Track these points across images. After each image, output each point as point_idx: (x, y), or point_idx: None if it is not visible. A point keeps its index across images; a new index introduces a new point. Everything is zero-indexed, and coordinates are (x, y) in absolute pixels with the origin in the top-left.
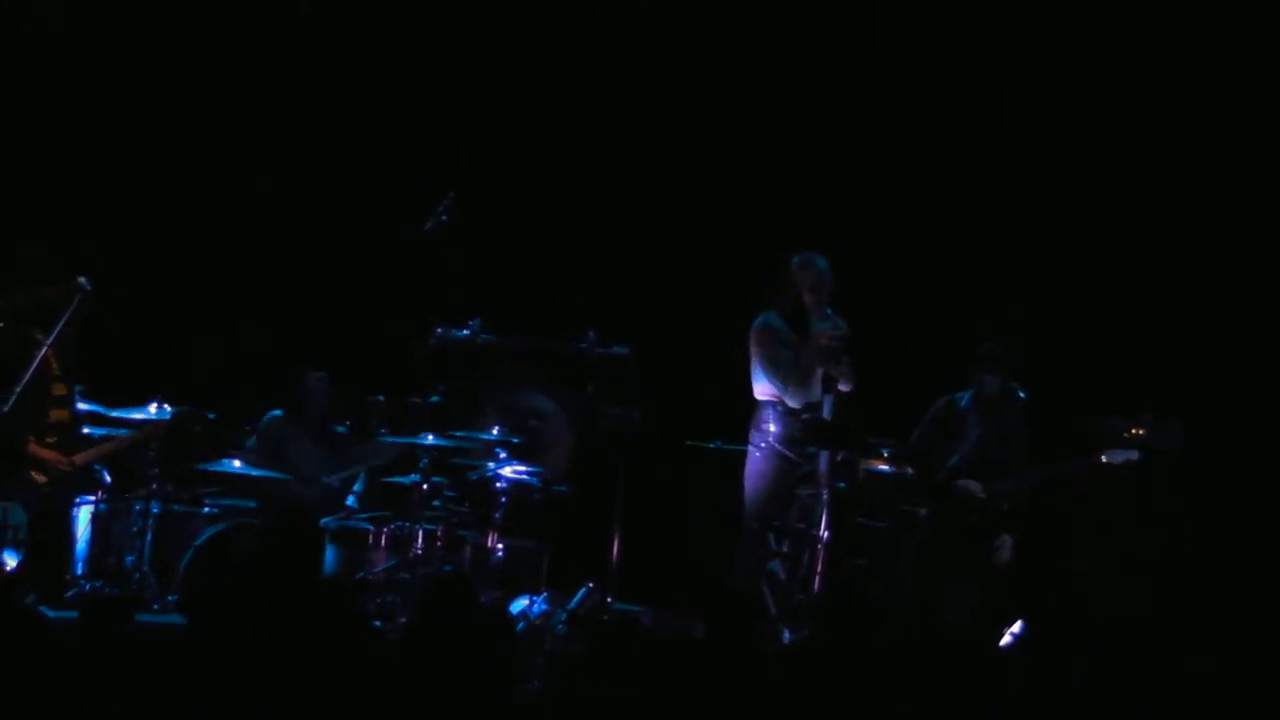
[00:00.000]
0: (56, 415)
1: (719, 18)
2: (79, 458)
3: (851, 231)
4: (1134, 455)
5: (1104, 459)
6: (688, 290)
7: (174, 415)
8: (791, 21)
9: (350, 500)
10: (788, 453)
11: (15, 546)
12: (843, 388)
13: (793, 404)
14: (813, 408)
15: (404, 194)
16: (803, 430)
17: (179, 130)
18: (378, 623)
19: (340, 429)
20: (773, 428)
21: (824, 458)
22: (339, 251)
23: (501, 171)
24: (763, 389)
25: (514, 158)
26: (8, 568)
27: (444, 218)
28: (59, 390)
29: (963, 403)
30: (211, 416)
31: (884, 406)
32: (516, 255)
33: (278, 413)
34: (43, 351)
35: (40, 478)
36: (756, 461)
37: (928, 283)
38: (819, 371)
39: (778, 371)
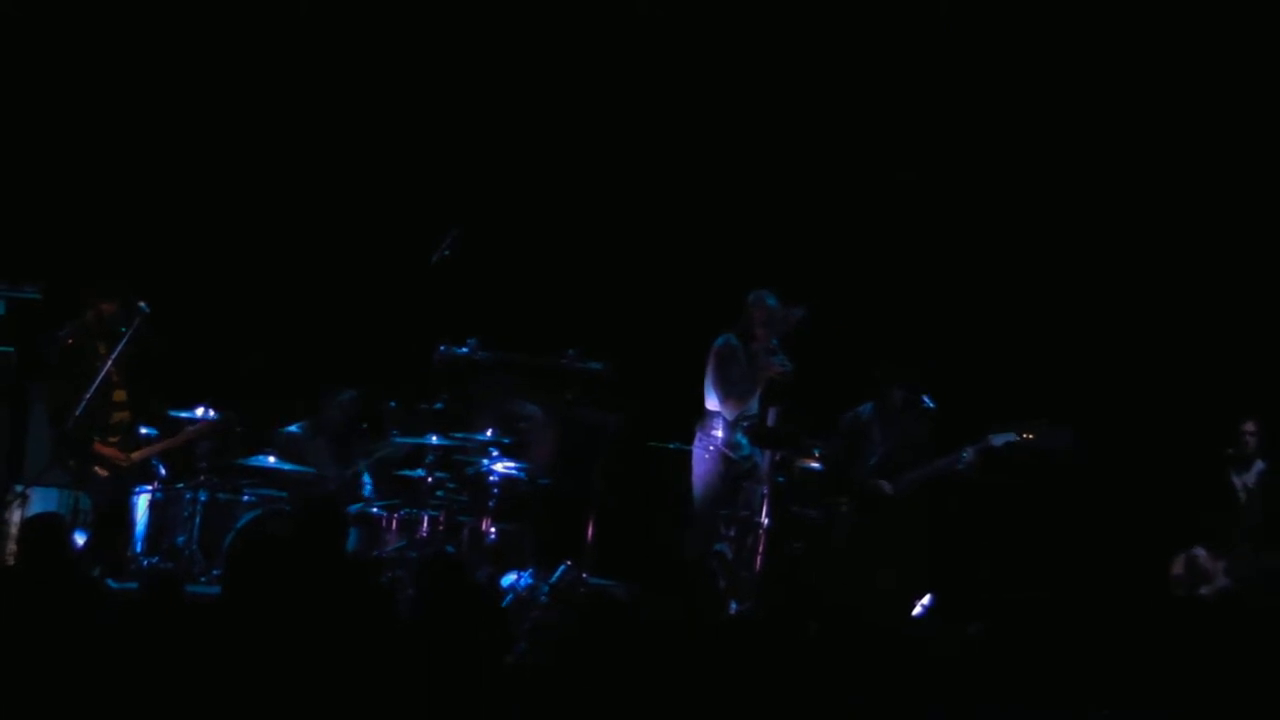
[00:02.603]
0: (118, 417)
1: (690, 52)
2: (137, 455)
3: (796, 264)
4: (1012, 437)
5: (991, 441)
6: (654, 315)
7: (220, 418)
8: (748, 62)
9: (367, 490)
10: (730, 454)
11: (84, 528)
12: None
13: (728, 416)
14: (749, 419)
15: (419, 228)
16: (746, 435)
17: (227, 175)
18: None
19: (356, 441)
20: (719, 433)
21: (765, 457)
22: (360, 278)
23: (498, 208)
24: (710, 401)
25: (508, 197)
26: (78, 545)
27: (448, 251)
28: (119, 396)
29: (865, 414)
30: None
31: (820, 413)
32: (509, 283)
33: (294, 428)
34: (107, 366)
35: (103, 472)
36: (704, 461)
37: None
38: (758, 392)
39: (724, 388)
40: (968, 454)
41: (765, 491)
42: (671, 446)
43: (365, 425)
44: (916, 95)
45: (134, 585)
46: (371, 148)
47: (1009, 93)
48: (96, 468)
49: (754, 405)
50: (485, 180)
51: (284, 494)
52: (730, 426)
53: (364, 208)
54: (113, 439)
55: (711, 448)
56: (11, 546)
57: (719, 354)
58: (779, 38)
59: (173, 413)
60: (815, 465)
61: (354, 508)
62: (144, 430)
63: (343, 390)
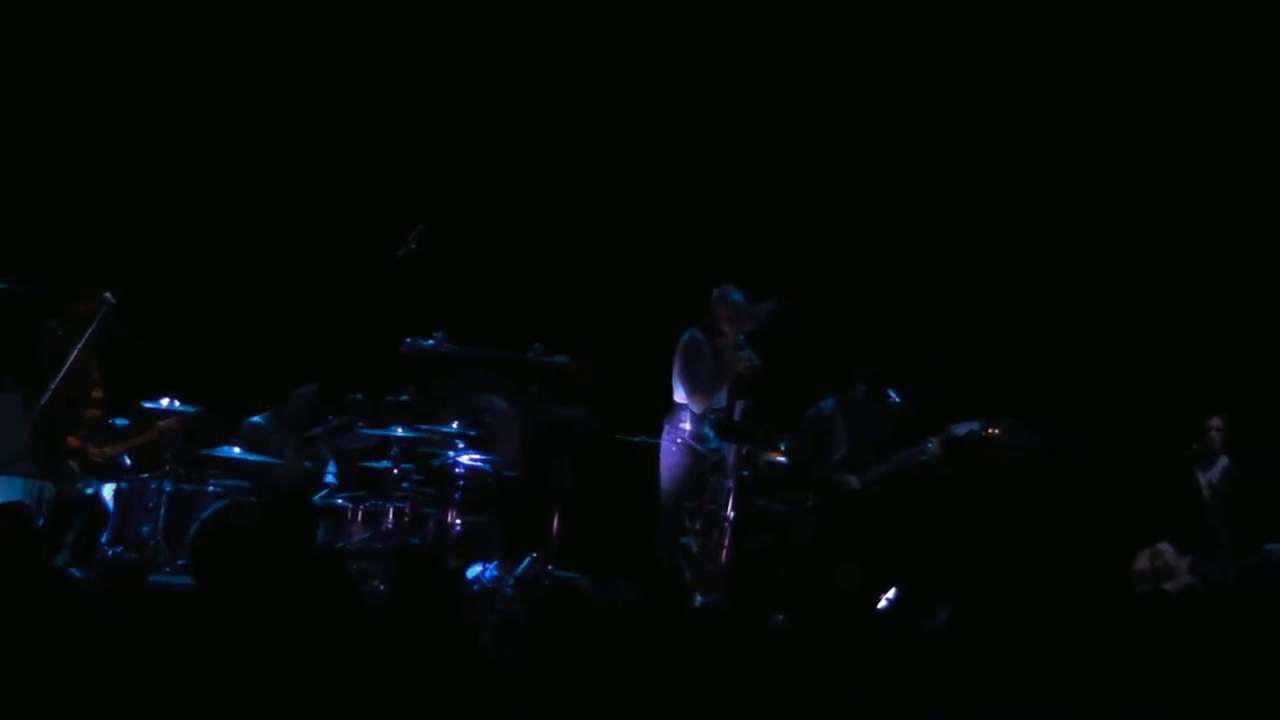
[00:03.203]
0: (91, 414)
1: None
2: (109, 449)
3: (765, 263)
4: (975, 426)
5: (954, 431)
6: (621, 310)
7: (195, 412)
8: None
9: (330, 479)
10: (697, 446)
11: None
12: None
13: (695, 410)
14: (718, 412)
15: (385, 224)
16: (713, 428)
17: (198, 175)
18: None
19: (317, 429)
20: (686, 426)
21: (731, 451)
22: (327, 273)
23: (466, 203)
24: (678, 394)
25: (476, 192)
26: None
27: (414, 245)
28: (96, 394)
29: (828, 409)
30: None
31: (787, 408)
32: (476, 277)
33: (258, 419)
34: (74, 353)
35: (75, 466)
36: (672, 454)
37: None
38: (726, 385)
39: (691, 382)
40: (931, 445)
41: (731, 485)
42: (637, 440)
43: (331, 417)
44: (910, 94)
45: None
46: (339, 145)
47: (1005, 93)
48: (70, 461)
49: (722, 399)
50: (453, 175)
51: (247, 484)
52: (698, 419)
53: (330, 204)
54: (83, 432)
55: (679, 440)
56: None
57: (685, 349)
58: (778, 38)
59: (143, 404)
60: (781, 459)
61: (316, 498)
62: (116, 422)
63: (305, 383)
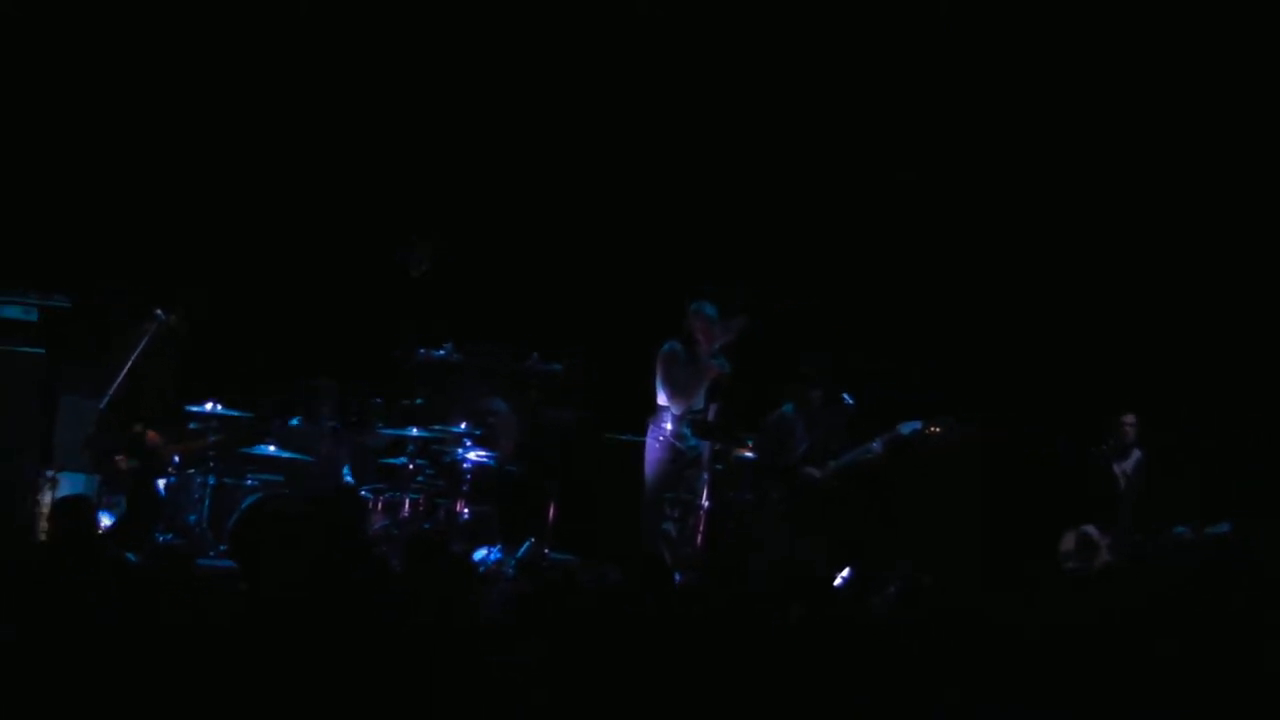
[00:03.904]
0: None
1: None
2: (182, 448)
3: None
4: (918, 425)
5: (900, 430)
6: (611, 323)
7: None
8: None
9: (347, 477)
10: (677, 444)
11: (108, 509)
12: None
13: (675, 412)
14: (696, 414)
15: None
16: (691, 427)
17: (235, 195)
18: None
19: (337, 425)
20: (668, 425)
21: (706, 447)
22: (351, 291)
23: (474, 225)
24: (661, 398)
25: (484, 214)
26: (104, 525)
27: (426, 266)
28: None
29: (788, 413)
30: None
31: (757, 409)
32: (481, 292)
33: (294, 422)
34: (129, 363)
35: (123, 463)
36: (655, 450)
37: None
38: (703, 389)
39: (670, 387)
40: (876, 445)
41: (706, 478)
42: (624, 438)
43: (354, 419)
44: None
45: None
46: (358, 170)
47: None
48: (118, 458)
49: (700, 401)
50: (457, 189)
51: (280, 479)
52: (678, 420)
53: (356, 229)
54: (153, 433)
55: (661, 438)
56: (44, 524)
57: (664, 358)
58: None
59: (188, 407)
60: (749, 455)
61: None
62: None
63: (320, 378)
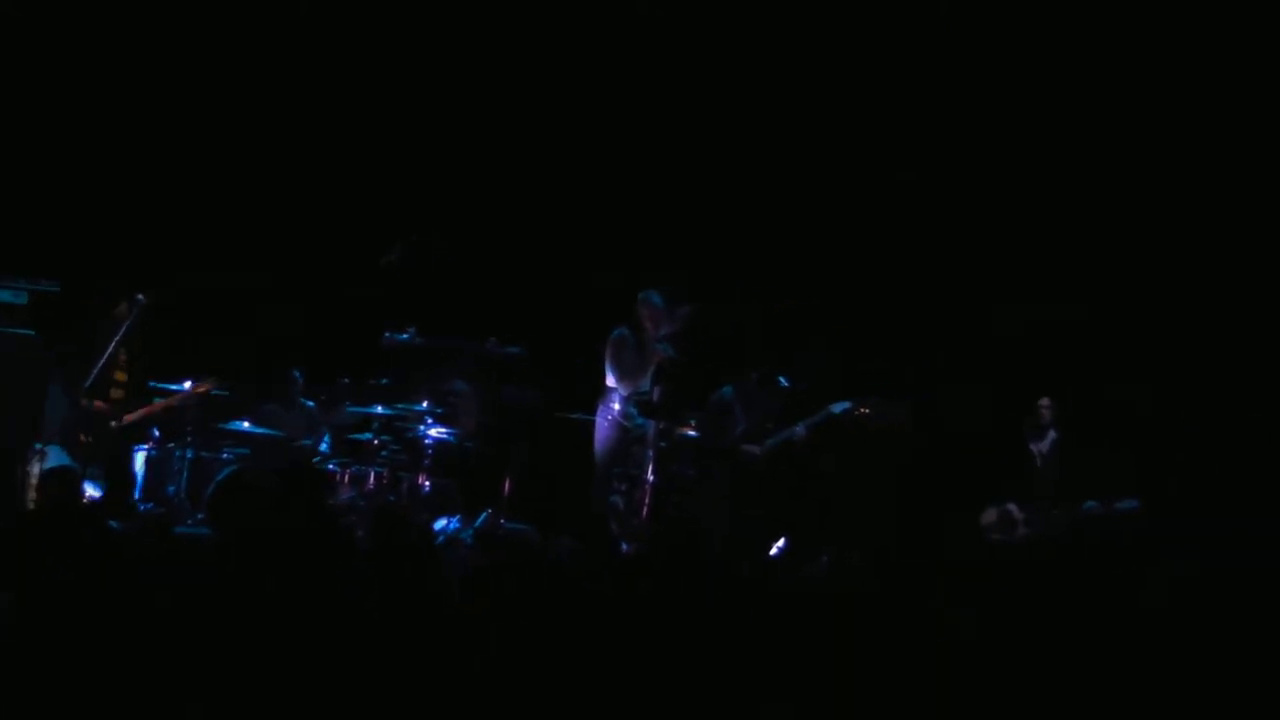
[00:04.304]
0: (115, 394)
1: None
2: (128, 417)
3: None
4: (848, 405)
5: (831, 409)
6: (565, 309)
7: (203, 382)
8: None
9: (324, 449)
10: (624, 423)
11: (94, 480)
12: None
13: (623, 393)
14: (641, 394)
15: (375, 235)
16: (636, 407)
17: (215, 188)
18: None
19: (311, 404)
20: (615, 406)
21: (651, 425)
22: (323, 279)
23: (443, 220)
24: (609, 380)
25: (453, 209)
26: (91, 495)
27: (396, 259)
28: (120, 376)
29: (727, 395)
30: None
31: (699, 391)
32: (446, 281)
33: (271, 405)
34: (110, 349)
35: (84, 436)
36: (604, 429)
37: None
38: (649, 372)
39: (618, 370)
40: (800, 429)
41: (651, 454)
42: (574, 416)
43: (324, 397)
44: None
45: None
46: (338, 161)
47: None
48: (83, 434)
49: (645, 383)
50: (431, 194)
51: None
52: (625, 400)
53: (329, 218)
54: (105, 406)
55: (609, 417)
56: (32, 494)
57: (613, 343)
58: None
59: (166, 385)
60: (691, 434)
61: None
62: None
63: (290, 369)
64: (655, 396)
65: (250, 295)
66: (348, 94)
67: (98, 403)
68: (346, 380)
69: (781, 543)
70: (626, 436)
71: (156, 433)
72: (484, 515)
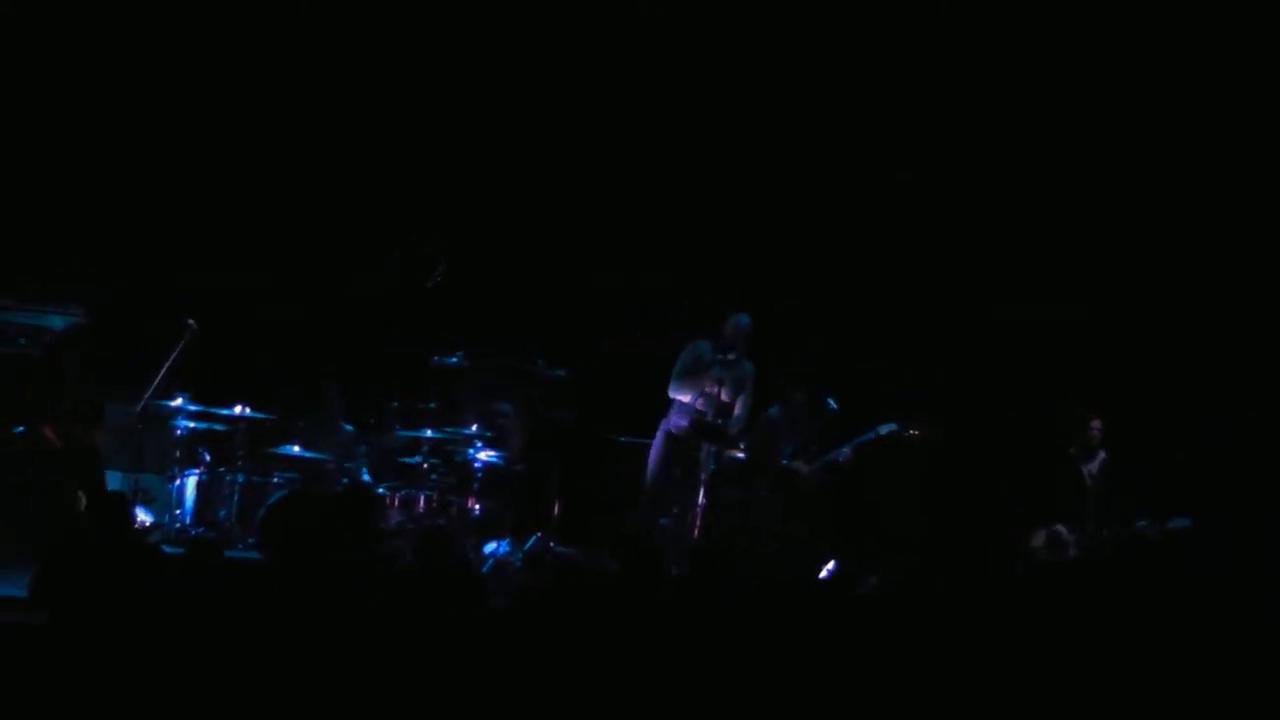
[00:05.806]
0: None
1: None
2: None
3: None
4: (894, 426)
5: (879, 430)
6: (614, 329)
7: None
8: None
9: (365, 476)
10: (681, 438)
11: (145, 504)
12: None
13: (670, 395)
14: (697, 412)
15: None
16: (690, 428)
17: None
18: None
19: (350, 427)
20: (675, 419)
21: (705, 447)
22: (372, 304)
23: (486, 237)
24: (670, 389)
25: (496, 223)
26: (138, 521)
27: (439, 279)
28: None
29: (774, 416)
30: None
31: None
32: (491, 303)
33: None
34: (162, 371)
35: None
36: (659, 443)
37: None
38: (701, 388)
39: (677, 377)
40: (845, 450)
41: (704, 477)
42: (622, 440)
43: (373, 420)
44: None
45: (182, 551)
46: (372, 179)
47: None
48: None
49: (695, 398)
50: (475, 210)
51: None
52: (683, 414)
53: (382, 247)
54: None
55: (668, 430)
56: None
57: (684, 352)
58: (776, 39)
59: (217, 410)
60: (740, 456)
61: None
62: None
63: (324, 381)
64: (709, 416)
65: (292, 324)
66: (389, 104)
67: (47, 428)
68: (396, 404)
69: (831, 565)
70: (678, 455)
71: (207, 456)
72: (534, 539)
